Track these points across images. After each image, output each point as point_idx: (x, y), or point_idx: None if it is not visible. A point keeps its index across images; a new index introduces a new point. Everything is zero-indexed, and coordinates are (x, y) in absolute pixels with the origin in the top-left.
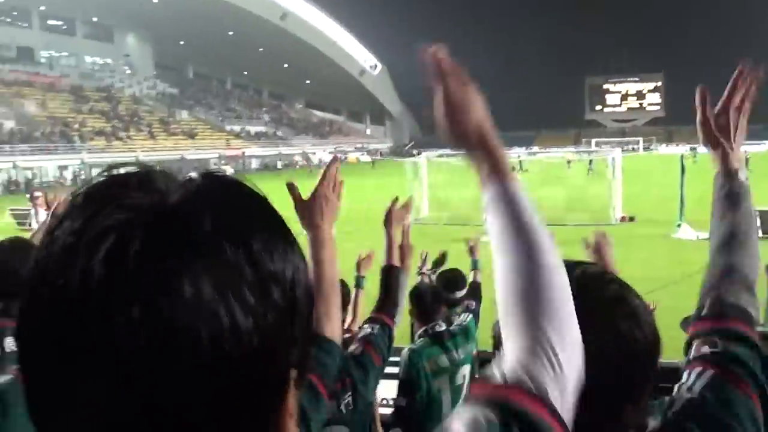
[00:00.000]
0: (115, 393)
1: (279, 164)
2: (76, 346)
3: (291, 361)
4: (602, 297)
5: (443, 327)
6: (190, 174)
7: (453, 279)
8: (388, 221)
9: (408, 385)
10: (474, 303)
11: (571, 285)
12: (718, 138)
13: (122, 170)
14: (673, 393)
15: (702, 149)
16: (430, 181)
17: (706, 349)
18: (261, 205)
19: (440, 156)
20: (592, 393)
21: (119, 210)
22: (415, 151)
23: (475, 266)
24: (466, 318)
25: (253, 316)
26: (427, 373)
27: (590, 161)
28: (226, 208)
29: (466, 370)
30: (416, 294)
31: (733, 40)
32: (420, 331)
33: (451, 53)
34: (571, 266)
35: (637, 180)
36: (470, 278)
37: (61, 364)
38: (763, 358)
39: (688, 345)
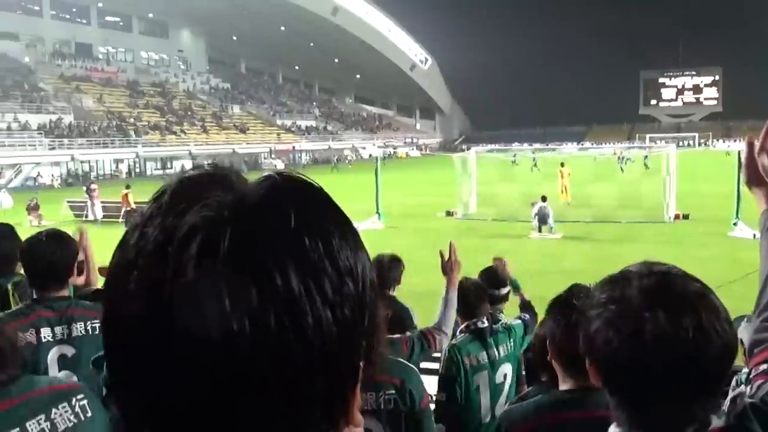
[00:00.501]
0: (207, 382)
1: (304, 159)
2: (170, 338)
3: (361, 352)
4: (687, 292)
5: (485, 323)
6: (263, 175)
7: (496, 275)
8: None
9: (447, 380)
10: (527, 316)
11: (654, 281)
12: (762, 177)
13: (197, 171)
14: (737, 402)
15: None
16: (480, 177)
17: (764, 366)
18: (332, 203)
19: (490, 151)
20: (670, 378)
21: (205, 209)
22: (464, 146)
23: (514, 286)
24: (514, 321)
25: (332, 308)
26: (467, 369)
27: (621, 158)
28: (304, 205)
29: (507, 369)
30: (460, 290)
31: None
32: (462, 327)
33: (504, 48)
34: (653, 264)
35: (692, 176)
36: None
37: (154, 357)
38: None
39: (748, 374)
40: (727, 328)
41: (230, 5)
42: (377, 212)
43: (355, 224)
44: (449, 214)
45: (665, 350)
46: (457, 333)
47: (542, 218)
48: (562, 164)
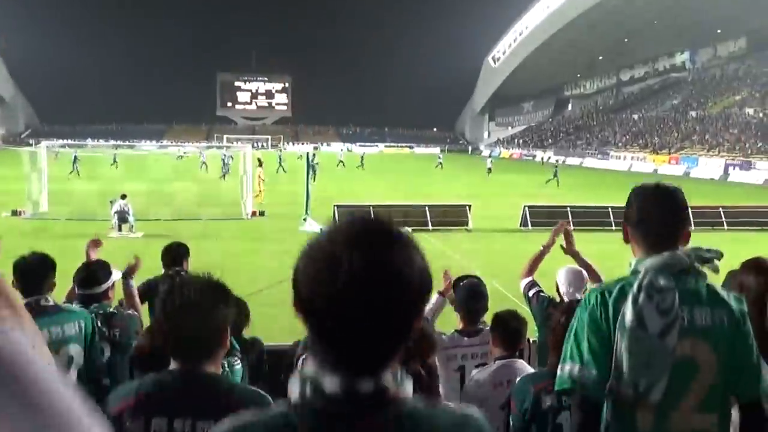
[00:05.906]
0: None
1: None
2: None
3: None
4: (379, 233)
5: (49, 301)
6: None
7: (94, 273)
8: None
9: None
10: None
11: (349, 225)
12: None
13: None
14: None
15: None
16: (51, 173)
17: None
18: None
19: (63, 147)
20: (360, 315)
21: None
22: (32, 141)
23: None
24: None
25: (419, 270)
26: None
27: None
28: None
29: (73, 350)
30: (16, 266)
31: (352, 51)
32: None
33: (78, 42)
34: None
35: (270, 176)
36: None
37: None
38: None
39: None
40: (417, 269)
41: None
42: None
43: None
44: (16, 213)
45: (356, 288)
46: None
47: (122, 216)
48: (260, 163)
